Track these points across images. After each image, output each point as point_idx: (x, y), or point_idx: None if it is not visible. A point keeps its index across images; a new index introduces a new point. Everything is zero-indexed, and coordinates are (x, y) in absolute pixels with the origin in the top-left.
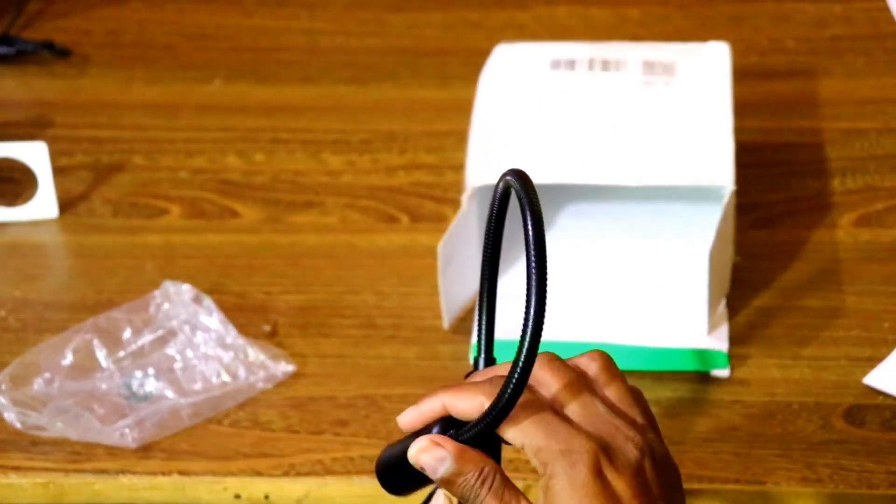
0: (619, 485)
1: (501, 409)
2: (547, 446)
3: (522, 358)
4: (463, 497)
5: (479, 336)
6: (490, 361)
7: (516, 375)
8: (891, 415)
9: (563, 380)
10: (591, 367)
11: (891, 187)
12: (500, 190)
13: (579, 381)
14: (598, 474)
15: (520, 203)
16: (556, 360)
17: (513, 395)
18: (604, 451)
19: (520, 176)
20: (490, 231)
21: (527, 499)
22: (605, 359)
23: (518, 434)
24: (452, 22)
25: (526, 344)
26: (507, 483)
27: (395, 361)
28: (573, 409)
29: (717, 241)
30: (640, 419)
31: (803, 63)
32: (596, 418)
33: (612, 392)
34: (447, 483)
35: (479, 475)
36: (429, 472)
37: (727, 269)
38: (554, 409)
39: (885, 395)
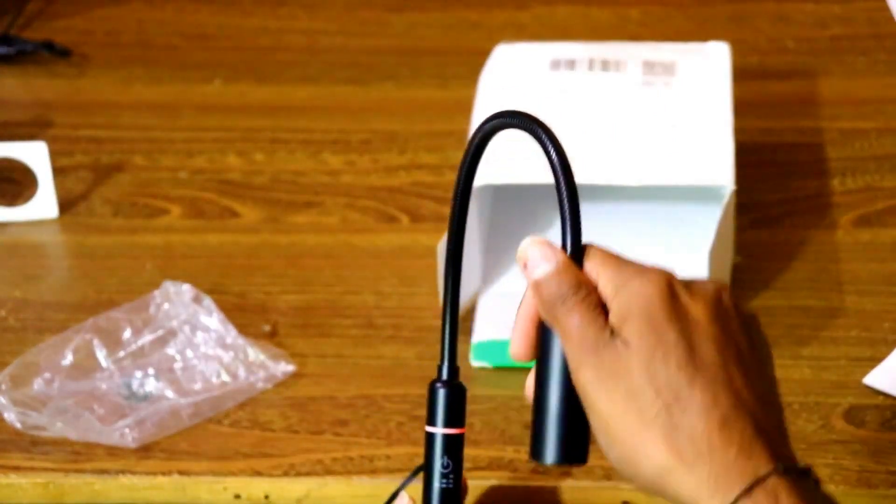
0: (695, 308)
1: (573, 230)
2: (623, 272)
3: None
4: (549, 301)
5: (445, 313)
6: (453, 363)
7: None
8: (891, 415)
9: None
10: None
11: (891, 187)
12: (486, 128)
13: None
14: (672, 293)
15: (532, 133)
16: None
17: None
18: (680, 281)
19: (520, 114)
20: (462, 178)
21: (612, 330)
22: None
23: (595, 265)
24: (452, 22)
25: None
26: (599, 304)
27: (395, 361)
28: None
29: (717, 241)
30: None
31: (803, 63)
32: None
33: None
34: (539, 286)
35: (576, 284)
36: (529, 267)
37: (727, 269)
38: None
39: (885, 395)
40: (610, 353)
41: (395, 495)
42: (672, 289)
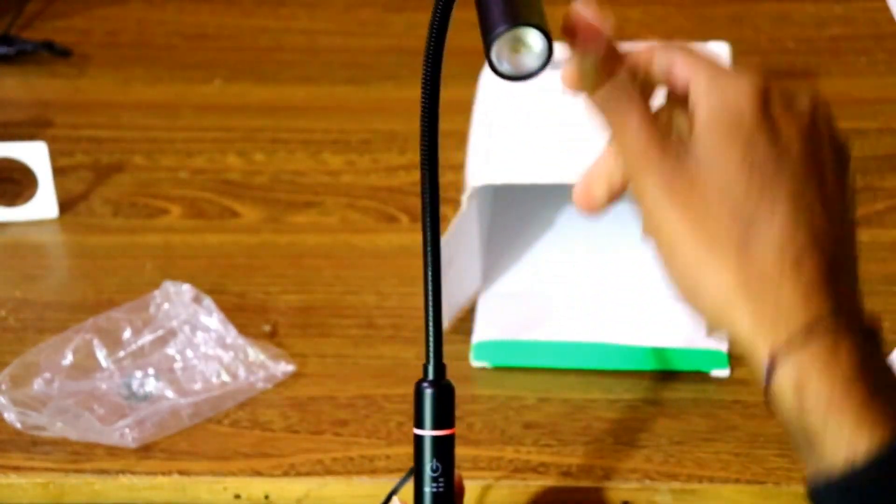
0: (788, 127)
1: None
2: (709, 71)
3: None
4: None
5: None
6: (439, 361)
7: None
8: None
9: None
10: None
11: (891, 187)
12: None
13: None
14: (766, 104)
15: None
16: None
17: None
18: (778, 89)
19: None
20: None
21: (693, 132)
22: None
23: (686, 67)
24: (452, 22)
25: None
26: (634, 88)
27: (395, 361)
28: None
29: None
30: None
31: (803, 63)
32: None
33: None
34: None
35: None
36: (579, 38)
37: None
38: None
39: None
40: (686, 161)
41: (388, 498)
42: (767, 99)
